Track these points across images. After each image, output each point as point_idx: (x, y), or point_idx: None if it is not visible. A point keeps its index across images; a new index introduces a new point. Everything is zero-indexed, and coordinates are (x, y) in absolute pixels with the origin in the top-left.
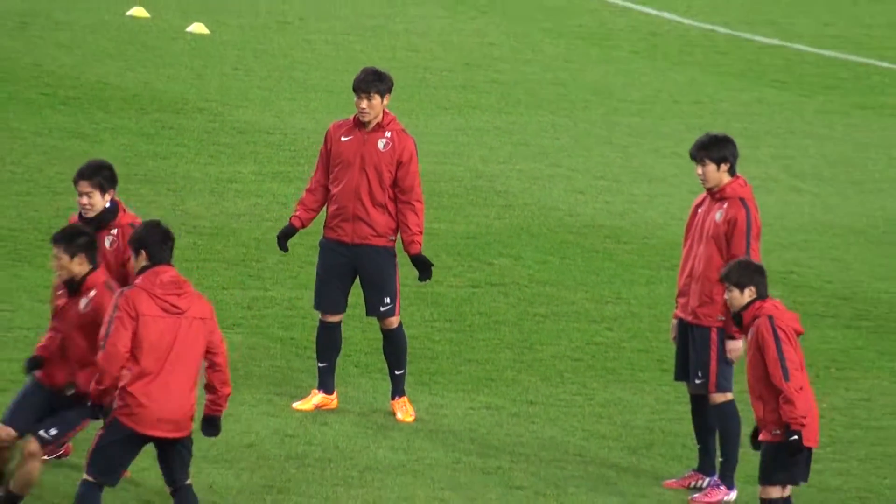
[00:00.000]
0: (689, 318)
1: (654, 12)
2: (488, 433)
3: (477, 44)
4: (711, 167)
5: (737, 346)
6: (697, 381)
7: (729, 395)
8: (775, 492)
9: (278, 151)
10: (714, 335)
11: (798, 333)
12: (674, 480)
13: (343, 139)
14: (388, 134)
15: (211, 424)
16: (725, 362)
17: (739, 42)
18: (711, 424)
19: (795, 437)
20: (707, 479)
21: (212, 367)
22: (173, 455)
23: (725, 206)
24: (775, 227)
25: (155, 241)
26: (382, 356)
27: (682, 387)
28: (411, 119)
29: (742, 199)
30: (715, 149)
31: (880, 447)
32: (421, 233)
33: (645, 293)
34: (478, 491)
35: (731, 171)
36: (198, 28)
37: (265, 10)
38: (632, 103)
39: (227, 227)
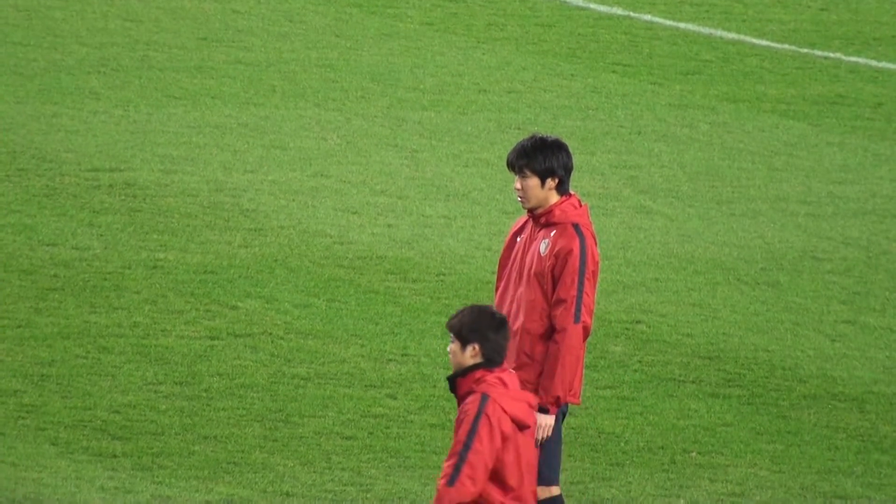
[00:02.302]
0: None
1: None
2: None
3: (217, 12)
4: (534, 181)
5: (547, 423)
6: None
7: (554, 490)
8: None
9: None
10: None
11: (522, 427)
12: None
13: None
14: None
15: None
16: (552, 444)
17: (569, 11)
18: None
19: None
20: None
21: None
22: None
23: (553, 234)
24: (616, 261)
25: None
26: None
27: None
28: (128, 112)
29: (576, 226)
30: (540, 157)
31: None
32: None
33: (440, 348)
34: None
35: (562, 189)
36: None
37: None
38: (423, 93)
39: None
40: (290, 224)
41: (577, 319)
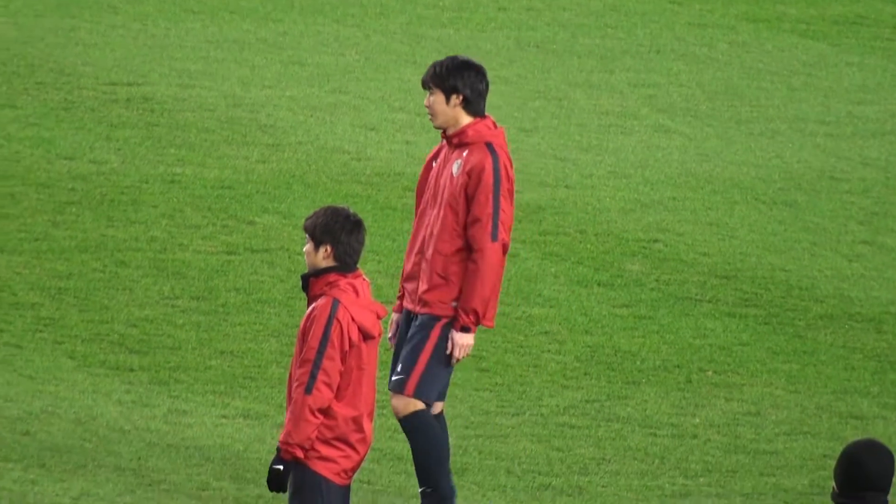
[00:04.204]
0: (416, 308)
1: None
2: (246, 450)
3: None
4: (440, 97)
5: (466, 342)
6: (394, 377)
7: (421, 406)
8: None
9: None
10: (439, 327)
11: (367, 337)
12: None
13: None
14: None
15: None
16: (442, 364)
17: None
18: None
19: (279, 466)
20: None
21: None
22: None
23: (465, 154)
24: (634, 180)
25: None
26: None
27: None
28: (146, 26)
29: (489, 145)
30: (446, 74)
31: (771, 478)
32: None
33: None
34: None
35: (471, 109)
36: None
37: None
38: (443, 10)
39: None
40: (307, 140)
41: (494, 237)
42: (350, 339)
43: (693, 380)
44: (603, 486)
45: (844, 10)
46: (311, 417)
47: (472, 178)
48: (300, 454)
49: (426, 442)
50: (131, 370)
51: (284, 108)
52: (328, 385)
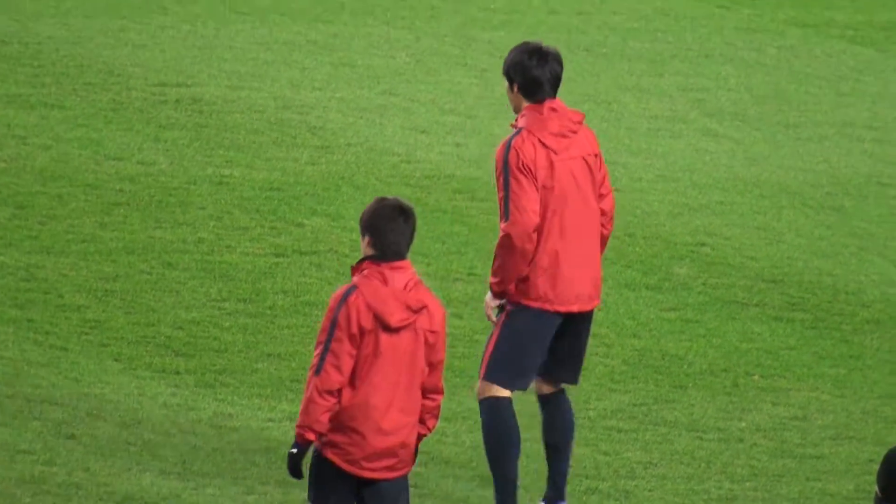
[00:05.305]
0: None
1: None
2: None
3: None
4: (506, 85)
5: (486, 302)
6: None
7: (495, 392)
8: None
9: (16, 67)
10: (504, 314)
11: (384, 326)
12: None
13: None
14: None
15: None
16: (510, 348)
17: None
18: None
19: (293, 450)
20: None
21: None
22: None
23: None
24: (682, 184)
25: None
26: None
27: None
28: (195, 27)
29: (519, 130)
30: (507, 63)
31: (818, 483)
32: None
33: None
34: None
35: (529, 95)
36: None
37: None
38: (494, 13)
39: None
40: (357, 142)
41: (505, 218)
42: (360, 324)
43: (740, 384)
44: (650, 490)
45: (893, 16)
46: (318, 399)
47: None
48: (312, 437)
49: (485, 431)
50: (177, 373)
51: (334, 109)
52: (337, 367)
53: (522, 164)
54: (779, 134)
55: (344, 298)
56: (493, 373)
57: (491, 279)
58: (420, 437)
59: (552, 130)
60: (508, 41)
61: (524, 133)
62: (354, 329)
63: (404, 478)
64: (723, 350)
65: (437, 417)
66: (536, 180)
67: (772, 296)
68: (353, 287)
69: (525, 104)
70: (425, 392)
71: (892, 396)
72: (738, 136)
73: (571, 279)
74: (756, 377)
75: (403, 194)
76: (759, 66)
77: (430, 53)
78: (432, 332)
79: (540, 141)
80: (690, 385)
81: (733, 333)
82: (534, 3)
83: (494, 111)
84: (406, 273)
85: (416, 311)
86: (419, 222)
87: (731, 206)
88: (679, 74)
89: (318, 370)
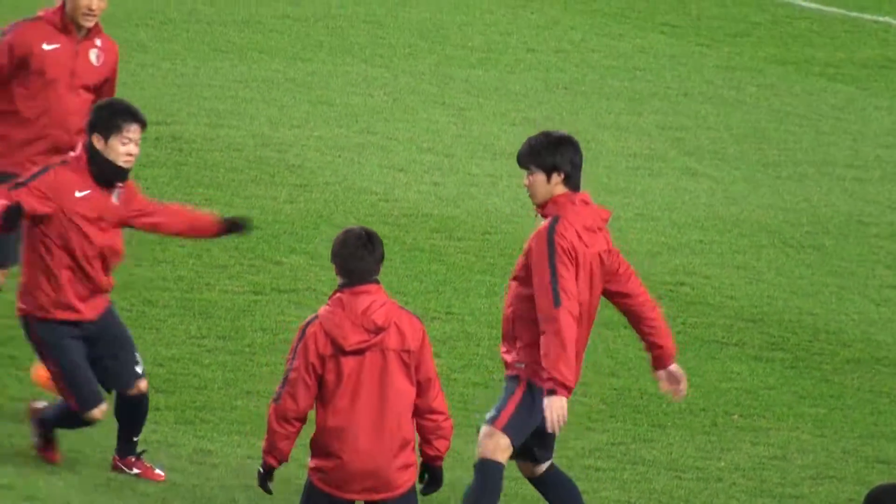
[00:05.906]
0: None
1: None
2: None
3: None
4: (540, 177)
5: (559, 406)
6: (488, 415)
7: (503, 456)
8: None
9: None
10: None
11: (339, 350)
12: None
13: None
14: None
15: None
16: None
17: None
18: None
19: (260, 469)
20: None
21: None
22: None
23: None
24: (661, 223)
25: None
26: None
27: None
28: (175, 65)
29: (556, 218)
30: (545, 153)
31: None
32: None
33: (485, 307)
34: None
35: (569, 184)
36: None
37: None
38: (471, 51)
39: None
40: (335, 180)
41: (556, 304)
42: (319, 352)
43: (719, 423)
44: None
45: (873, 54)
46: (276, 427)
47: (530, 254)
48: (272, 462)
49: (475, 494)
50: (157, 409)
51: (312, 148)
52: (292, 396)
53: (568, 251)
54: (758, 173)
55: (304, 329)
56: (511, 429)
57: (561, 370)
58: (431, 457)
59: (586, 224)
60: (486, 79)
61: (565, 222)
62: (312, 357)
63: (404, 498)
64: (702, 389)
65: (445, 438)
66: (579, 269)
67: (751, 335)
68: (315, 317)
69: (557, 193)
70: (421, 413)
71: (872, 436)
72: (718, 175)
73: (577, 364)
74: (735, 416)
75: (381, 233)
76: (738, 104)
77: (407, 92)
78: (406, 351)
79: (576, 232)
80: (669, 424)
81: (713, 373)
82: (511, 41)
83: (472, 150)
84: (370, 296)
85: (376, 332)
86: (396, 261)
87: (710, 245)
88: (658, 113)
89: (276, 398)
